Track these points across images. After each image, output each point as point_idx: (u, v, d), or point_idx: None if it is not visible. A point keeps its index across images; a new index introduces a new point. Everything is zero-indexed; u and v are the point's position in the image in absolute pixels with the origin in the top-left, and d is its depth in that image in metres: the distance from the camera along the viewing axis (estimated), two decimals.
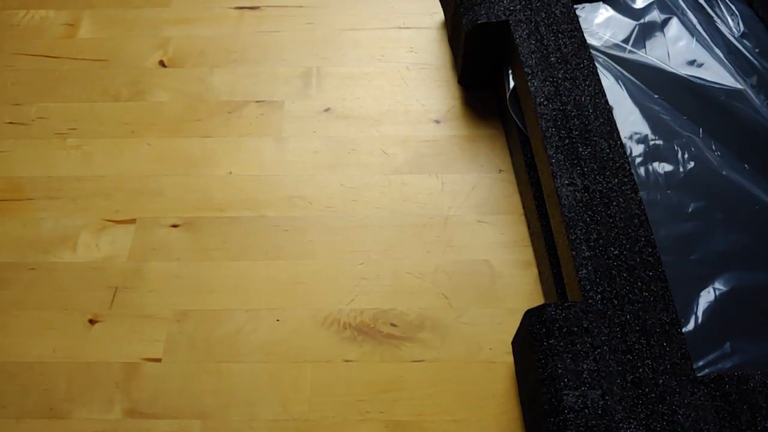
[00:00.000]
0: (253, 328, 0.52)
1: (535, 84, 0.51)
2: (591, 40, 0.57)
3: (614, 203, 0.45)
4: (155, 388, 0.49)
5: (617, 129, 0.49)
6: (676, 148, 0.51)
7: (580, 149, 0.47)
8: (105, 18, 0.73)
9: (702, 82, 0.55)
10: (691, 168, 0.50)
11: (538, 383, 0.40)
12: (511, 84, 0.57)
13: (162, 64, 0.69)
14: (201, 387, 0.49)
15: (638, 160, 0.51)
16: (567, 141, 0.48)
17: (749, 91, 0.54)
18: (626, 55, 0.57)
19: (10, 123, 0.65)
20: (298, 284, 0.54)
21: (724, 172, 0.50)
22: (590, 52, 0.53)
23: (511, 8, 0.57)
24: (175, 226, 0.57)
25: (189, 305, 0.53)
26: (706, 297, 0.44)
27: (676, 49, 0.57)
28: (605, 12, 0.60)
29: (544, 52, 0.53)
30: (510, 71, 0.57)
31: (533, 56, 0.53)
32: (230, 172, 0.61)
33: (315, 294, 0.53)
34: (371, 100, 0.65)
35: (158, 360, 0.50)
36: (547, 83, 0.51)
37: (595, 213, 0.44)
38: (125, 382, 0.49)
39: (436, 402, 0.48)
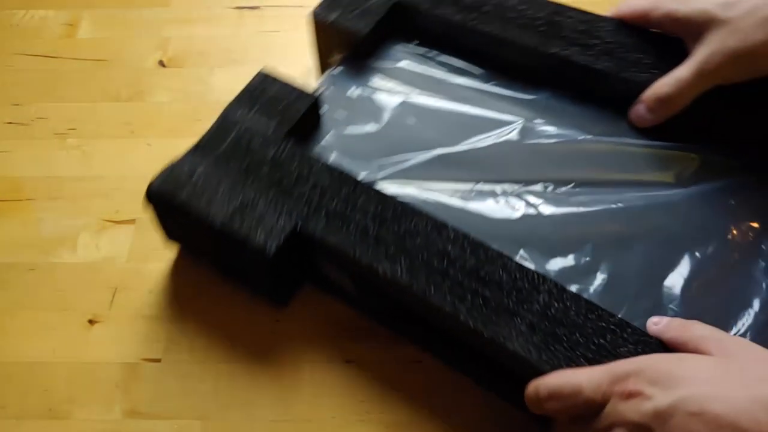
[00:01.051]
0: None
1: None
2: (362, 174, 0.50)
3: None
4: (155, 389, 0.49)
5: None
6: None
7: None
8: (105, 18, 0.73)
9: None
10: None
11: None
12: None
13: (162, 64, 0.69)
14: (201, 387, 0.49)
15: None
16: None
17: None
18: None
19: (10, 123, 0.65)
20: None
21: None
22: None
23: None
24: None
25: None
26: None
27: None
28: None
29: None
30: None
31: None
32: None
33: (314, 294, 0.53)
34: None
35: (158, 360, 0.50)
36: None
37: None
38: (125, 382, 0.49)
39: (436, 402, 0.48)
